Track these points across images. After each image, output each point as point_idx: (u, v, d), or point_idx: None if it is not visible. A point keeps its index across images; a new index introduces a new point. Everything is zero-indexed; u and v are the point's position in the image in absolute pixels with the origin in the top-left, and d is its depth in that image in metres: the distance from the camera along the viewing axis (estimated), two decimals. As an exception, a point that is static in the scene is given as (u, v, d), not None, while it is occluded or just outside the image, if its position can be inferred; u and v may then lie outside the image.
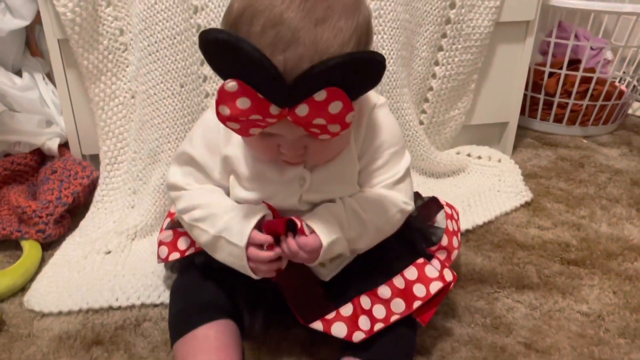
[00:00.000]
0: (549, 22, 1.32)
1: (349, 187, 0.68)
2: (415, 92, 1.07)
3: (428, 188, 1.07)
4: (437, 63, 1.06)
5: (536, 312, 0.79)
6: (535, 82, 1.33)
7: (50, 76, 1.04)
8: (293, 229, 0.63)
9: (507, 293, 0.83)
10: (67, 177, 0.92)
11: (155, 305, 0.78)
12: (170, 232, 0.76)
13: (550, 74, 1.30)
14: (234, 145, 0.67)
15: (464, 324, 0.76)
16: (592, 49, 1.30)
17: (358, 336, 0.63)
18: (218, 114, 0.54)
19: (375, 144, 0.68)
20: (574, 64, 1.29)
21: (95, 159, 1.00)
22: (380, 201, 0.67)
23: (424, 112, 1.11)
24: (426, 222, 0.80)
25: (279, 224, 0.62)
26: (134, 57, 0.90)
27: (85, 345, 0.71)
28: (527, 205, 1.05)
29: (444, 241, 0.77)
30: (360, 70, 0.51)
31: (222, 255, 0.64)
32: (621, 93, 1.32)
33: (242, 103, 0.52)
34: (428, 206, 0.82)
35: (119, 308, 0.77)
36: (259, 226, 0.63)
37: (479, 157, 1.16)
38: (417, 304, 0.65)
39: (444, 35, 1.03)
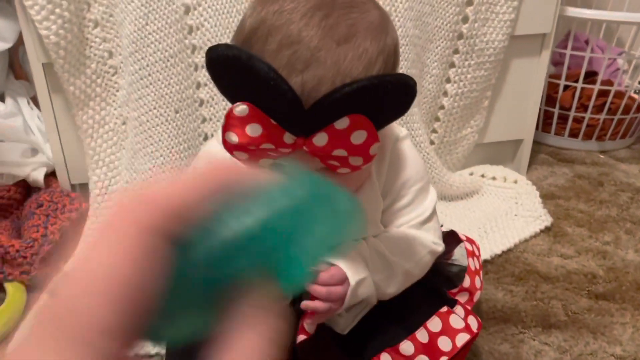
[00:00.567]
0: (559, 32, 1.26)
1: (372, 227, 0.62)
2: (426, 111, 1.01)
3: (441, 212, 1.00)
4: (448, 80, 0.99)
5: (566, 356, 0.72)
6: (549, 95, 1.26)
7: (35, 100, 0.97)
8: None
9: (533, 334, 0.76)
10: (53, 211, 0.85)
11: (150, 357, 0.71)
12: None
13: (565, 87, 1.24)
14: None
15: (490, 373, 0.70)
16: (607, 59, 1.24)
17: (380, 398, 0.56)
18: (224, 141, 0.48)
19: (400, 180, 0.62)
20: (589, 76, 1.23)
21: (85, 188, 0.93)
22: (408, 242, 0.61)
23: (434, 131, 1.04)
24: (444, 259, 0.74)
25: None
26: (125, 81, 0.83)
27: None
28: (547, 230, 0.99)
29: (466, 282, 0.70)
30: (388, 95, 0.45)
31: None
32: (640, 106, 1.25)
33: (253, 130, 0.46)
34: (446, 241, 0.75)
35: None
36: None
37: (494, 178, 1.09)
38: (443, 360, 0.59)
39: (456, 51, 0.97)
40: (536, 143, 1.30)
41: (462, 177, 1.06)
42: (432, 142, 1.05)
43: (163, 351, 0.69)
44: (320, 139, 0.46)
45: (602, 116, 1.24)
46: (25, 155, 0.93)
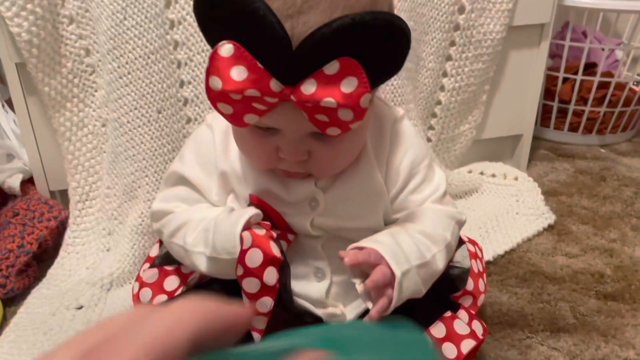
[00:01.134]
0: (555, 23, 1.22)
1: (373, 212, 0.58)
2: (422, 107, 0.97)
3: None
4: (445, 74, 0.95)
5: (577, 361, 0.68)
6: (547, 88, 1.23)
7: (10, 103, 0.92)
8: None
9: (541, 338, 0.72)
10: (30, 220, 0.80)
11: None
12: (155, 271, 0.65)
13: (564, 80, 1.20)
14: (233, 160, 0.57)
15: (498, 383, 0.65)
16: (603, 50, 1.20)
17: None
18: (208, 90, 0.44)
19: (407, 159, 0.59)
20: (588, 68, 1.19)
21: (65, 194, 0.88)
22: (438, 214, 0.58)
23: (431, 128, 1.00)
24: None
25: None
26: (103, 81, 0.79)
27: None
28: (550, 228, 0.95)
29: (469, 285, 0.66)
30: (379, 37, 0.42)
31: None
32: (641, 98, 1.22)
33: (238, 73, 0.43)
34: (448, 242, 0.72)
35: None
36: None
37: (493, 175, 1.05)
38: (448, 367, 0.55)
39: (453, 44, 0.93)
40: (535, 138, 1.26)
41: (460, 175, 1.02)
42: (429, 139, 1.01)
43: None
44: (309, 87, 0.43)
45: (603, 109, 1.20)
46: (0, 162, 0.88)
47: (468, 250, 0.69)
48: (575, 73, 1.17)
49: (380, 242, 0.52)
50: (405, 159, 0.58)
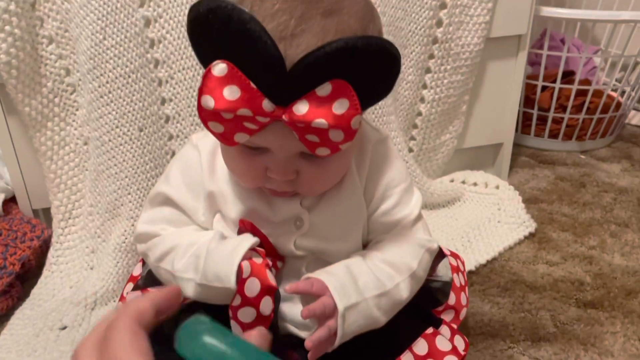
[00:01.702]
0: (534, 31, 1.24)
1: (354, 233, 0.59)
2: (403, 119, 0.98)
3: (422, 222, 0.97)
4: (425, 86, 0.96)
5: (558, 370, 0.70)
6: (527, 96, 1.24)
7: (-9, 122, 0.91)
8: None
9: (522, 348, 0.73)
10: (13, 241, 0.80)
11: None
12: (138, 293, 0.65)
13: (543, 88, 1.22)
14: (219, 180, 0.57)
15: (479, 395, 0.66)
16: (580, 54, 1.22)
17: None
18: (200, 109, 0.45)
19: (384, 181, 0.59)
20: (566, 75, 1.21)
21: (49, 213, 0.88)
22: (406, 242, 0.59)
23: (413, 138, 1.01)
24: (428, 275, 0.71)
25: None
26: (84, 100, 0.79)
27: None
28: (531, 236, 0.96)
29: (452, 299, 0.67)
30: (371, 60, 0.43)
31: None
32: (619, 104, 1.24)
33: (231, 92, 0.43)
34: (429, 256, 0.72)
35: (76, 400, 0.65)
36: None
37: (475, 184, 1.06)
38: (430, 386, 0.56)
39: (432, 56, 0.94)
40: (516, 145, 1.28)
41: (442, 185, 1.03)
42: (410, 150, 1.02)
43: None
44: (301, 107, 0.44)
45: (581, 116, 1.22)
46: (-18, 181, 0.87)
47: (450, 264, 0.70)
48: (554, 81, 1.19)
49: (330, 273, 0.53)
50: (381, 181, 0.59)
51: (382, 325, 0.55)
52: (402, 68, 0.93)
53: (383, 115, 0.91)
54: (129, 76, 0.77)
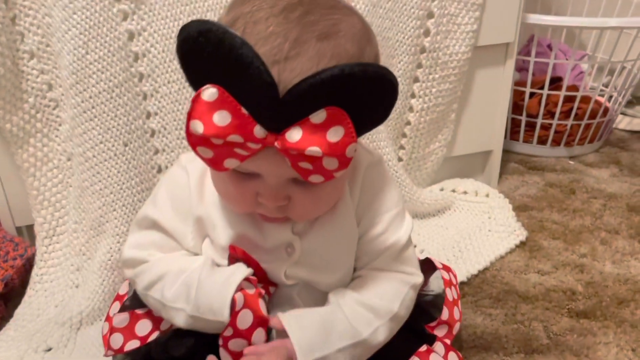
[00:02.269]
0: (521, 37, 1.24)
1: (347, 259, 0.58)
2: (392, 128, 0.97)
3: (413, 232, 0.96)
4: (413, 95, 0.96)
5: (552, 383, 0.69)
6: (515, 102, 1.24)
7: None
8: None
9: (515, 361, 0.73)
10: (-5, 260, 0.78)
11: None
12: (125, 315, 0.63)
13: (531, 94, 1.22)
14: (208, 204, 0.56)
15: (474, 411, 0.65)
16: (567, 60, 1.22)
17: None
18: (188, 134, 0.43)
19: (374, 206, 0.58)
20: (554, 81, 1.21)
21: (32, 230, 0.86)
22: (388, 282, 0.57)
23: (402, 147, 1.00)
24: (420, 289, 0.70)
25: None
26: (67, 115, 0.77)
27: None
28: (522, 245, 0.96)
29: (445, 314, 0.66)
30: (368, 87, 0.42)
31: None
32: (606, 110, 1.24)
33: (221, 118, 0.42)
34: (422, 269, 0.71)
35: None
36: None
37: (465, 192, 1.06)
38: (424, 406, 0.55)
39: (419, 66, 0.93)
40: (505, 151, 1.28)
41: (432, 194, 1.02)
42: (400, 159, 1.01)
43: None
44: (294, 134, 0.42)
45: (570, 122, 1.22)
46: (-38, 199, 0.85)
47: (442, 278, 0.70)
48: (542, 87, 1.19)
49: (300, 326, 0.52)
50: (372, 205, 0.58)
51: None
52: (390, 78, 0.92)
53: (372, 126, 0.90)
54: (113, 90, 0.75)
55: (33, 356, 0.72)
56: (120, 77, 0.75)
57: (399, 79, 0.92)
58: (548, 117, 1.22)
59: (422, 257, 0.74)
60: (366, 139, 0.91)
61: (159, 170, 0.82)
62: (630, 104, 1.42)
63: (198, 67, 0.42)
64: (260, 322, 0.52)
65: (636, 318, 0.79)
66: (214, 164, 0.46)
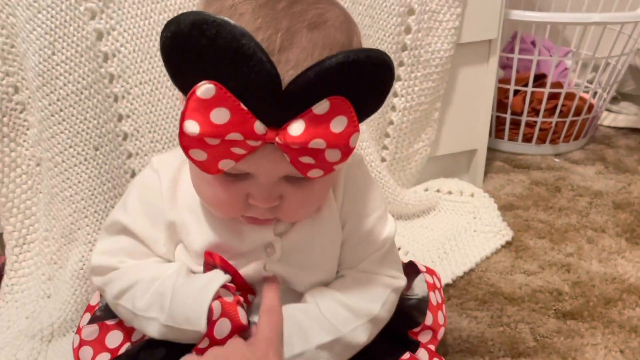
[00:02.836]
0: (505, 33, 1.22)
1: (329, 260, 0.56)
2: (374, 128, 0.95)
3: (398, 234, 0.92)
4: (395, 94, 0.94)
5: (539, 388, 0.67)
6: (499, 100, 1.23)
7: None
8: None
9: (502, 365, 0.71)
10: (-39, 271, 0.74)
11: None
12: (95, 327, 0.60)
13: (515, 92, 1.20)
14: (182, 208, 0.53)
15: (459, 418, 0.64)
16: (552, 56, 1.21)
17: None
18: (182, 135, 0.41)
19: (357, 209, 0.57)
20: (538, 78, 1.20)
21: (1, 239, 0.83)
22: (369, 284, 0.56)
23: (385, 148, 0.98)
24: (403, 293, 0.68)
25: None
26: (34, 119, 0.74)
27: None
28: (508, 245, 0.94)
29: (429, 319, 0.64)
30: (369, 74, 0.41)
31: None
32: (591, 107, 1.23)
33: (219, 116, 0.39)
34: (405, 273, 0.69)
35: None
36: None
37: (450, 192, 1.04)
38: (408, 413, 0.53)
39: (401, 64, 0.91)
40: (490, 150, 1.26)
41: (417, 194, 1.00)
42: (383, 160, 0.99)
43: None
44: (296, 128, 0.40)
45: (554, 119, 1.21)
46: None
47: (426, 281, 0.68)
48: (526, 85, 1.18)
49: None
50: (355, 207, 0.56)
51: None
52: (371, 76, 0.90)
53: (353, 126, 0.88)
54: (82, 92, 0.72)
55: (1, 371, 0.69)
56: (89, 78, 0.72)
57: (380, 78, 0.90)
58: (533, 114, 1.21)
59: (407, 259, 0.72)
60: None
61: (132, 175, 0.79)
62: (614, 100, 1.41)
63: (189, 64, 0.40)
64: (238, 330, 0.49)
65: (624, 318, 0.78)
66: (207, 166, 0.43)
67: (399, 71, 0.92)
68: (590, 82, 1.29)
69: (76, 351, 0.60)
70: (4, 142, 0.76)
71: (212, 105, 0.39)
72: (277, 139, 0.41)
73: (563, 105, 1.20)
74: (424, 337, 0.64)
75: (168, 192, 0.54)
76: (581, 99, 1.21)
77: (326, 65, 0.39)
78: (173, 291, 0.50)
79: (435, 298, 0.66)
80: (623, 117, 1.40)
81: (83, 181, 0.75)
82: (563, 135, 1.23)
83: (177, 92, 0.75)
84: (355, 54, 0.40)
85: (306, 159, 0.43)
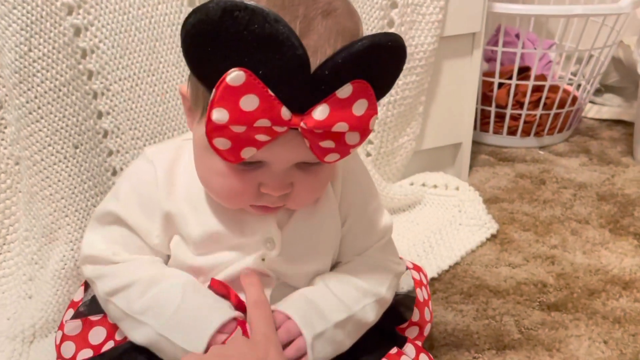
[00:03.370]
0: (489, 26, 1.22)
1: (327, 252, 0.56)
2: (359, 122, 0.94)
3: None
4: (379, 88, 0.93)
5: (524, 380, 0.68)
6: (484, 93, 1.23)
7: None
8: None
9: (487, 358, 0.71)
10: (-61, 273, 0.73)
11: None
12: (78, 322, 0.59)
13: (500, 85, 1.20)
14: (178, 199, 0.52)
15: (445, 412, 0.64)
16: (535, 49, 1.21)
17: None
18: (209, 124, 0.41)
19: (357, 200, 0.57)
20: (522, 71, 1.20)
21: (-19, 238, 0.81)
22: (376, 267, 0.57)
23: (370, 142, 0.98)
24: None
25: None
26: (12, 117, 0.73)
27: None
28: (493, 238, 0.94)
29: (415, 316, 0.64)
30: (388, 58, 0.43)
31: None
32: (575, 99, 1.23)
33: (248, 102, 0.40)
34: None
35: None
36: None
37: (435, 186, 1.04)
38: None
39: (385, 57, 0.91)
40: (475, 143, 1.26)
41: (402, 189, 1.00)
42: (368, 154, 0.99)
43: None
44: (321, 112, 0.41)
45: (539, 112, 1.21)
46: None
47: (413, 278, 0.68)
48: (510, 78, 1.18)
49: (293, 306, 0.51)
50: (354, 197, 0.57)
51: (347, 349, 0.53)
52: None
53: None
54: (60, 89, 0.71)
55: (-19, 374, 0.68)
56: (67, 75, 0.71)
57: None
58: (517, 107, 1.21)
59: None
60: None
61: (114, 173, 0.78)
62: (598, 92, 1.42)
63: (218, 51, 0.40)
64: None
65: (607, 309, 0.78)
66: (230, 155, 0.43)
67: (382, 65, 0.92)
68: (574, 74, 1.29)
69: (58, 347, 0.59)
70: (-19, 141, 0.75)
71: (241, 92, 0.40)
72: (302, 123, 0.41)
73: (547, 98, 1.20)
74: (410, 333, 0.64)
75: (164, 182, 0.53)
76: (565, 91, 1.22)
77: (354, 50, 0.40)
78: (181, 303, 0.50)
79: (422, 294, 0.66)
80: (607, 109, 1.41)
81: (63, 180, 0.74)
82: (547, 127, 1.24)
83: (166, 88, 0.74)
84: (379, 38, 0.41)
85: (326, 143, 0.43)
